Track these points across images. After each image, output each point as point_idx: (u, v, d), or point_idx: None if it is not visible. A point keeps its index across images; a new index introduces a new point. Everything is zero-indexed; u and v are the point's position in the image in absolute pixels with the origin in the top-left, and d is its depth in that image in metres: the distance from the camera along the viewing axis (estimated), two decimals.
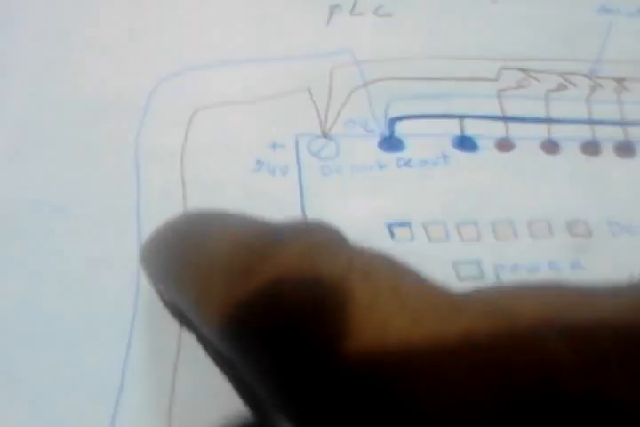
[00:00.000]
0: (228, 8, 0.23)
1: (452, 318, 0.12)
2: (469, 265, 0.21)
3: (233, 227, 0.15)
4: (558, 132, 0.22)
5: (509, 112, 0.22)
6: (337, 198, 0.21)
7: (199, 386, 0.18)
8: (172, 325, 0.19)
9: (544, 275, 0.21)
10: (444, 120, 0.22)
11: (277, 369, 0.13)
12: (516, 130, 0.22)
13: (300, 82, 0.22)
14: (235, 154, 0.21)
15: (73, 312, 0.19)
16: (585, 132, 0.22)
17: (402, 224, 0.21)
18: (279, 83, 0.22)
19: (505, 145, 0.22)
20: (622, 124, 0.23)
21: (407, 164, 0.21)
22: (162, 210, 0.20)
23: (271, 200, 0.20)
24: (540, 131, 0.22)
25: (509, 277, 0.20)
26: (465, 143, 0.22)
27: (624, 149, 0.22)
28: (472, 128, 0.22)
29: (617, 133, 0.22)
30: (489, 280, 0.20)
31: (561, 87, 0.23)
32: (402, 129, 0.22)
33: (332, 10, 0.23)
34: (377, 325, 0.12)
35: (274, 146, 0.21)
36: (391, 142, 0.22)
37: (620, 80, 0.23)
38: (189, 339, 0.19)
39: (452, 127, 0.22)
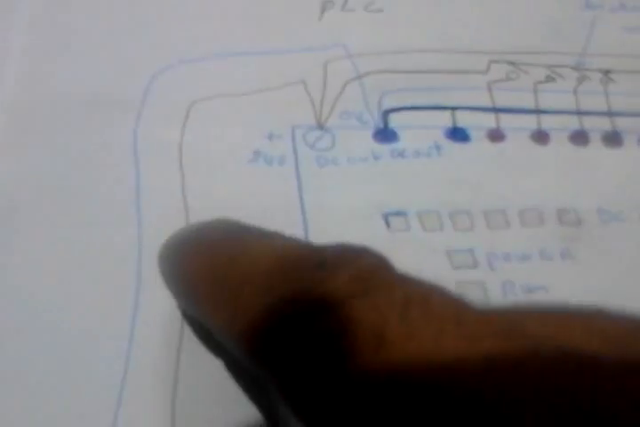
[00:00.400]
0: (223, 2, 0.23)
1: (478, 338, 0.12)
2: (463, 254, 0.21)
3: (270, 244, 0.14)
4: (547, 122, 0.23)
5: (499, 104, 0.23)
6: (333, 189, 0.21)
7: (202, 379, 0.18)
8: (174, 320, 0.19)
9: (535, 263, 0.21)
10: (437, 112, 0.23)
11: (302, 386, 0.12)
12: (506, 121, 0.23)
13: (294, 74, 0.22)
14: (232, 145, 0.21)
15: (73, 309, 0.19)
16: (573, 122, 0.23)
17: (397, 214, 0.21)
18: (274, 75, 0.22)
19: (496, 136, 0.22)
20: (609, 114, 0.23)
21: (401, 154, 0.22)
22: (161, 202, 0.20)
23: (269, 191, 0.21)
24: (530, 122, 0.23)
25: (502, 266, 0.21)
26: (457, 134, 0.22)
27: (611, 139, 0.23)
28: (464, 119, 0.23)
29: (604, 124, 0.23)
30: (482, 269, 0.21)
31: (549, 79, 0.23)
32: (395, 121, 0.22)
33: (325, 5, 0.24)
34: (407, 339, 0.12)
35: (270, 137, 0.21)
36: (385, 134, 0.22)
37: (605, 72, 0.24)
38: (191, 333, 0.19)
39: (445, 119, 0.22)
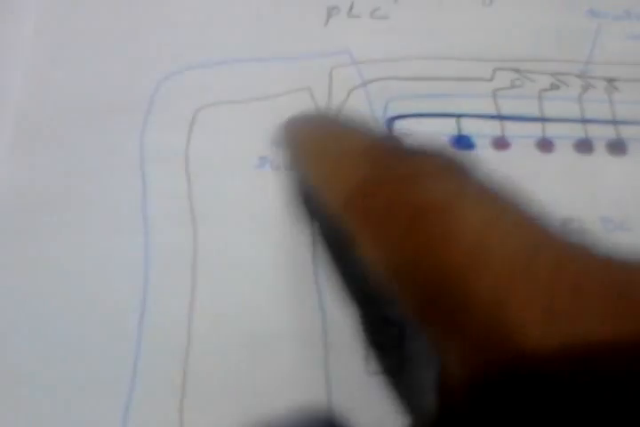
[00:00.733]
0: (230, 9, 0.23)
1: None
2: None
3: (366, 133, 0.17)
4: (552, 130, 0.23)
5: (504, 111, 0.23)
6: None
7: (210, 383, 0.18)
8: (181, 320, 0.19)
9: None
10: (442, 119, 0.23)
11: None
12: (511, 129, 0.23)
13: (300, 81, 0.22)
14: (238, 151, 0.21)
15: (81, 314, 0.19)
16: (578, 130, 0.23)
17: None
18: (280, 82, 0.22)
19: (500, 144, 0.23)
20: (614, 122, 0.23)
21: None
22: (167, 207, 0.20)
23: (275, 196, 0.21)
24: (535, 129, 0.23)
25: None
26: (462, 142, 0.22)
27: (616, 147, 0.23)
28: (468, 127, 0.23)
29: (609, 132, 0.23)
30: None
31: (553, 87, 0.23)
32: (400, 128, 0.22)
33: (330, 11, 0.24)
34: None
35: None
36: None
37: (610, 80, 0.24)
38: (199, 333, 0.19)
39: (449, 126, 0.23)
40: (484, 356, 0.12)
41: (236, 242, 0.20)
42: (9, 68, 0.21)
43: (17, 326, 0.19)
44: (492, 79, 0.23)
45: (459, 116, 0.23)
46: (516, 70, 0.24)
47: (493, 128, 0.23)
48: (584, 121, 0.23)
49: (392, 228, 0.14)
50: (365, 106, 0.22)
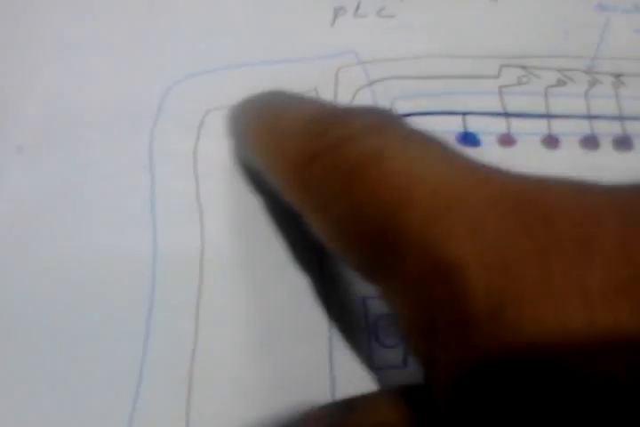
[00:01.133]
0: (235, 12, 0.23)
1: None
2: None
3: (305, 107, 0.18)
4: (558, 127, 0.23)
5: (510, 108, 0.23)
6: None
7: (217, 381, 0.19)
8: (189, 318, 0.19)
9: None
10: (448, 117, 0.23)
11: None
12: (517, 125, 0.23)
13: (307, 82, 0.22)
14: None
15: (88, 312, 0.19)
16: (584, 127, 0.23)
17: None
18: (286, 83, 0.22)
19: (506, 140, 0.23)
20: (620, 118, 0.23)
21: None
22: (177, 210, 0.20)
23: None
24: (541, 126, 0.23)
25: None
26: (468, 139, 0.23)
27: (622, 143, 0.23)
28: (474, 124, 0.23)
29: (615, 128, 0.23)
30: None
31: (560, 83, 0.24)
32: None
33: (337, 12, 0.24)
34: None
35: None
36: None
37: (617, 75, 0.24)
38: (206, 330, 0.19)
39: (455, 124, 0.23)
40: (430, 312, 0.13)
41: (244, 242, 0.20)
42: (23, 75, 0.22)
43: (20, 325, 0.19)
44: (498, 76, 0.24)
45: (465, 113, 0.23)
46: (523, 67, 0.24)
47: (499, 125, 0.23)
48: (590, 117, 0.23)
49: (329, 193, 0.15)
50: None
